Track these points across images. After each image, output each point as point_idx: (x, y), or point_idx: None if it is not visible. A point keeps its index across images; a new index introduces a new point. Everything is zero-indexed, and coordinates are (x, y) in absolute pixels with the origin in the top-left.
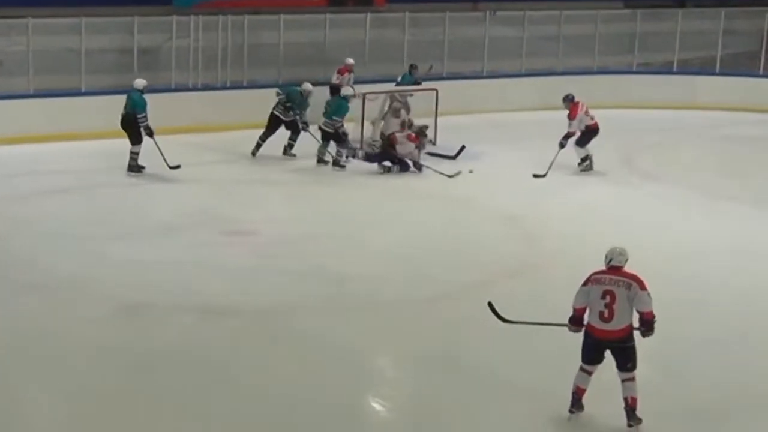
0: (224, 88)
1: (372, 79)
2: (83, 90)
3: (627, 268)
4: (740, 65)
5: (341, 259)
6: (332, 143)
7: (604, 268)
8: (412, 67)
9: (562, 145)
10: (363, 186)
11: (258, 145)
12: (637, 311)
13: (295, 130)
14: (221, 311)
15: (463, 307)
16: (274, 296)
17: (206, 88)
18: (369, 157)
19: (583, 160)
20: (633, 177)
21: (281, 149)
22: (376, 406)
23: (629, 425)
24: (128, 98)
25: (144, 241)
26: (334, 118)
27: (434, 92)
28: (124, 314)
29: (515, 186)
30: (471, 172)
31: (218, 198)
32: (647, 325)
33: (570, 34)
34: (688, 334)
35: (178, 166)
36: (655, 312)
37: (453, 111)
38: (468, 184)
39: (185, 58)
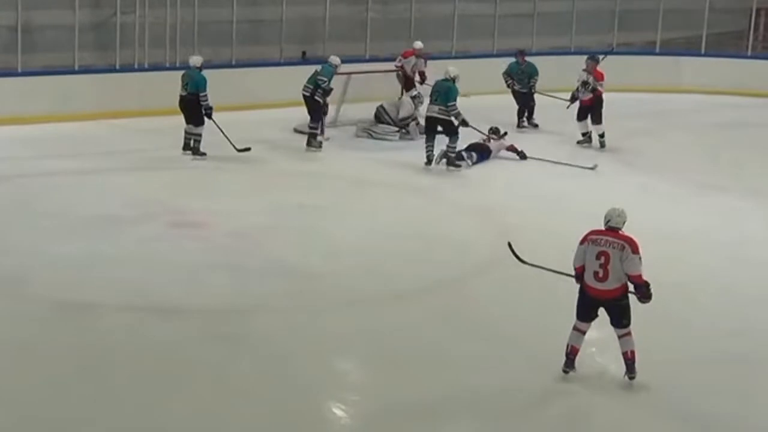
0: (173, 68)
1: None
2: (20, 71)
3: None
4: (727, 45)
5: (303, 255)
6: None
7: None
8: (520, 53)
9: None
10: (329, 176)
11: (315, 135)
12: (626, 273)
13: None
14: (171, 311)
15: (434, 303)
16: (229, 294)
17: (154, 68)
18: (478, 160)
19: (584, 134)
20: (613, 165)
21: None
22: (341, 411)
23: (631, 378)
24: (186, 77)
25: (86, 235)
26: (449, 104)
27: (400, 73)
28: (63, 315)
29: (489, 176)
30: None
31: (167, 188)
32: (640, 290)
33: (545, 12)
34: (674, 327)
35: (247, 149)
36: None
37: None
38: (440, 174)
39: (131, 35)
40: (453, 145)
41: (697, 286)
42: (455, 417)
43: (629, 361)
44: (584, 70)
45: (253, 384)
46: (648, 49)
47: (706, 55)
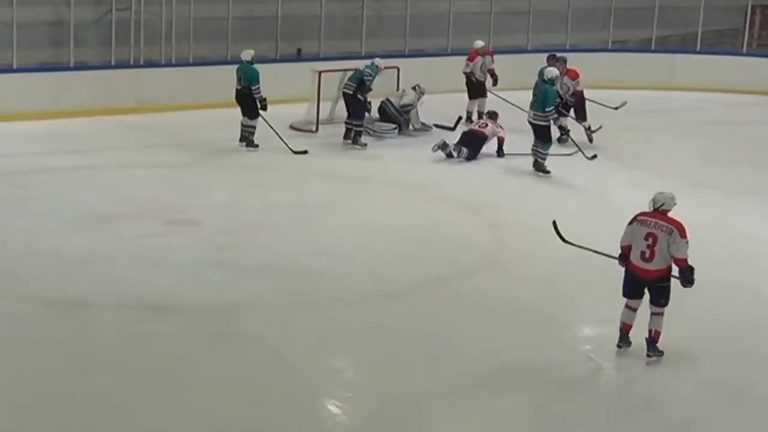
0: (169, 65)
1: (328, 56)
2: (15, 67)
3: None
4: (722, 43)
5: (300, 253)
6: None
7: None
8: (552, 57)
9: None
10: (321, 174)
11: (360, 133)
12: (672, 256)
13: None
14: (167, 309)
15: (433, 300)
16: (225, 292)
17: (149, 65)
18: (469, 155)
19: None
20: (608, 163)
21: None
22: (339, 409)
23: (648, 355)
24: (240, 71)
25: (78, 232)
26: (547, 109)
27: (395, 70)
28: (57, 313)
29: (481, 173)
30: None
31: (162, 185)
32: (683, 274)
33: (541, 9)
34: (671, 324)
35: (304, 152)
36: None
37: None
38: (438, 172)
39: (126, 32)
40: (544, 152)
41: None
42: (457, 409)
43: (653, 340)
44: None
45: (250, 382)
46: (643, 47)
47: (701, 52)
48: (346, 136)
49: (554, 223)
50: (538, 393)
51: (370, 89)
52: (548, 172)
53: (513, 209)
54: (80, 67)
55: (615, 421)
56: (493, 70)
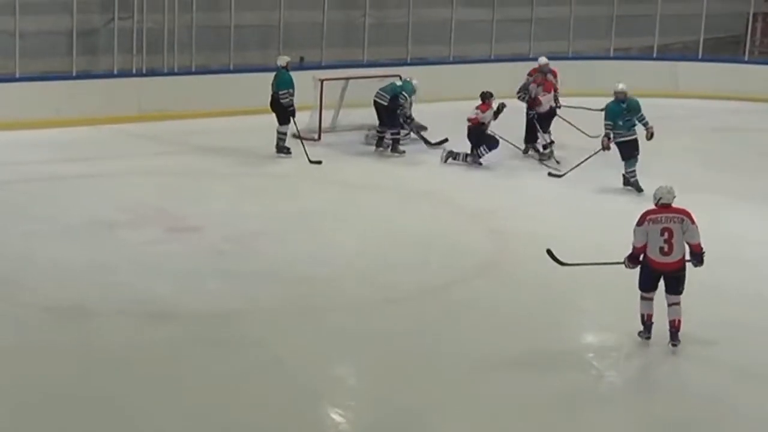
0: (171, 73)
1: (330, 64)
2: (18, 75)
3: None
4: (724, 51)
5: (301, 259)
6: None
7: (654, 207)
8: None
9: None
10: (323, 181)
11: (398, 140)
12: (688, 243)
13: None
14: (167, 315)
15: (434, 305)
16: (223, 299)
17: (151, 73)
18: (477, 159)
19: (545, 147)
20: (609, 171)
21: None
22: (339, 416)
23: (673, 345)
24: (274, 77)
25: (80, 240)
26: (605, 123)
27: (396, 78)
28: (57, 319)
29: (484, 179)
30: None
31: (164, 193)
32: (697, 256)
33: (543, 17)
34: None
35: (319, 162)
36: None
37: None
38: (435, 178)
39: (128, 40)
40: (629, 169)
41: (693, 287)
42: (459, 413)
43: (675, 329)
44: (535, 83)
45: (249, 388)
46: (645, 54)
47: (703, 60)
48: (378, 144)
49: (548, 251)
50: (541, 398)
51: (402, 106)
52: (640, 190)
53: (515, 215)
54: (83, 75)
55: (617, 423)
56: (555, 88)
